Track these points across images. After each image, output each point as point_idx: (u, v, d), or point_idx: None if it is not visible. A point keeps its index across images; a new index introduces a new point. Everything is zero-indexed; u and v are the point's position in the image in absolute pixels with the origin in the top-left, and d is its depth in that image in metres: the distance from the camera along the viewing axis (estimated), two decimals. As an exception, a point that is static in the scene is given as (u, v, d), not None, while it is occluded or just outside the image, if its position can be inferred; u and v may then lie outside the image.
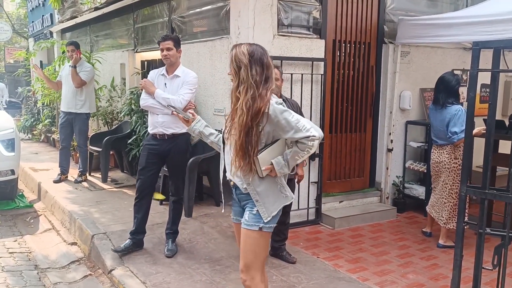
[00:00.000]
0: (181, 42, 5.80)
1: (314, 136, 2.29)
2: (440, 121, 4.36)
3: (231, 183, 2.49)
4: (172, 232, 4.07)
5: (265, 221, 2.39)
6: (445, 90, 4.37)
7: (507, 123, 4.92)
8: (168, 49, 3.84)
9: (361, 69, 5.34)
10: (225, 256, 3.92)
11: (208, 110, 5.36)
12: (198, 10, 5.49)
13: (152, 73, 4.06)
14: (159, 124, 3.87)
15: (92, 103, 6.38)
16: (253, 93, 2.27)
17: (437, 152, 4.44)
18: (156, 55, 6.35)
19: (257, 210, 2.39)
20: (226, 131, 2.45)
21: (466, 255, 3.03)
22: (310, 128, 2.30)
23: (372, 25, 5.30)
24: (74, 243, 4.49)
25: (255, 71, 2.29)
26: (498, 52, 2.58)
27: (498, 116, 6.41)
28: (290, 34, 4.75)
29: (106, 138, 6.23)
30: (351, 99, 5.31)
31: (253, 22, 4.55)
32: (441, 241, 4.45)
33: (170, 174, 4.10)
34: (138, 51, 7.18)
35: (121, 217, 4.74)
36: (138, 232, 4.02)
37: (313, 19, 4.93)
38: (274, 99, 2.34)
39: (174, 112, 2.79)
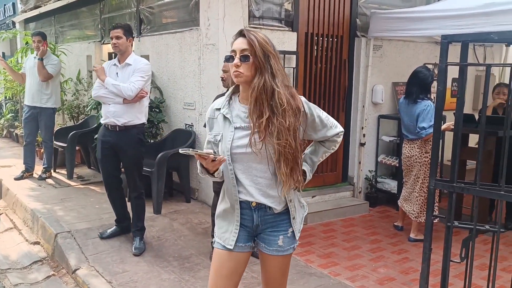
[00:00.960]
0: (150, 34, 5.76)
1: (342, 131, 2.14)
2: (410, 115, 4.41)
3: (253, 204, 2.02)
4: (139, 229, 4.01)
5: (297, 238, 2.11)
6: (419, 85, 4.39)
7: (477, 117, 5.04)
8: (118, 37, 3.81)
9: (334, 62, 5.37)
10: (195, 253, 3.88)
11: (177, 104, 5.29)
12: (166, 0, 5.41)
13: (105, 64, 4.04)
14: (111, 114, 3.83)
15: (58, 98, 6.20)
16: (290, 87, 1.97)
17: (408, 147, 4.51)
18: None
19: (292, 231, 2.08)
20: (250, 142, 1.92)
21: (436, 248, 3.08)
22: (337, 124, 2.13)
23: (344, 18, 5.35)
24: (36, 243, 4.36)
25: (279, 66, 1.95)
26: (466, 46, 2.61)
27: (468, 110, 6.57)
28: (261, 27, 4.74)
29: (72, 133, 6.08)
30: (324, 93, 5.34)
31: (223, 13, 4.51)
32: (412, 235, 4.53)
33: (125, 168, 4.01)
34: (105, 42, 7.03)
35: (86, 215, 4.64)
36: (121, 220, 4.19)
37: (285, 11, 4.93)
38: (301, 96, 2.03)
39: (190, 153, 1.83)
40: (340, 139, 2.17)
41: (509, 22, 4.00)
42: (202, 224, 4.51)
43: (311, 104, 2.04)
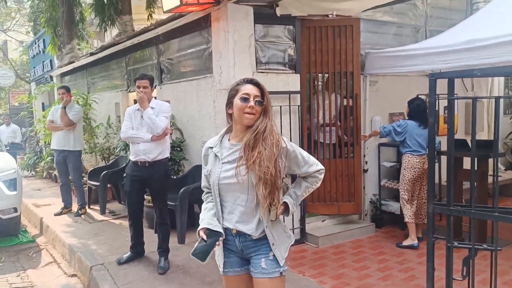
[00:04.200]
0: (170, 82, 5.89)
1: (323, 169, 2.22)
2: (422, 135, 4.77)
3: (233, 231, 2.11)
4: (163, 250, 4.13)
5: (281, 264, 2.11)
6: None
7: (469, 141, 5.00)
8: (145, 87, 4.01)
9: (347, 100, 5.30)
10: (217, 279, 3.83)
11: (196, 142, 5.34)
12: (183, 52, 5.55)
13: (129, 109, 4.18)
14: (141, 152, 3.97)
15: (82, 141, 6.38)
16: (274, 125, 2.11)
17: (422, 161, 4.76)
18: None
19: (274, 255, 2.10)
20: (236, 171, 2.03)
21: (440, 265, 3.01)
22: (318, 162, 2.22)
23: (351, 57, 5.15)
24: (74, 275, 4.36)
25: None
26: (452, 82, 2.63)
27: (462, 135, 6.51)
28: (268, 71, 4.82)
29: (104, 172, 6.16)
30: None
31: (233, 62, 4.60)
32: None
33: (153, 199, 4.16)
34: (131, 91, 7.19)
35: (118, 247, 4.64)
36: (136, 245, 4.28)
37: (288, 56, 5.01)
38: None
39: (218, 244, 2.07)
40: (321, 176, 2.22)
41: (489, 56, 4.03)
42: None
43: (293, 144, 2.15)
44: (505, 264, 4.10)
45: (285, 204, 2.15)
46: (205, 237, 2.04)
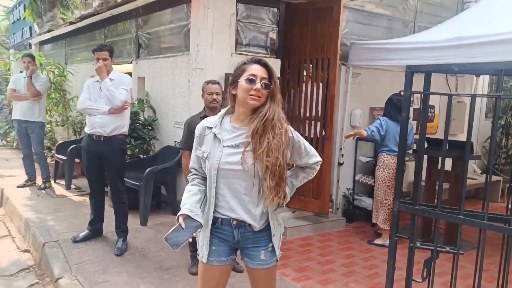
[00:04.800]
0: (147, 58, 5.67)
1: (321, 160, 2.16)
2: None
3: (234, 222, 1.98)
4: (121, 230, 3.99)
5: (277, 254, 2.06)
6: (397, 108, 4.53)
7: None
8: (105, 59, 3.84)
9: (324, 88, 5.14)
10: (175, 265, 3.70)
11: (168, 122, 5.16)
12: (162, 27, 5.33)
13: (88, 81, 4.00)
14: (97, 124, 3.79)
15: (45, 113, 6.14)
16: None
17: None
18: (126, 68, 6.13)
19: (272, 246, 2.03)
20: (242, 158, 1.89)
21: (405, 264, 2.92)
22: (316, 153, 2.14)
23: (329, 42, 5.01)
24: (27, 250, 4.18)
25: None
26: (429, 76, 2.51)
27: (442, 135, 6.45)
28: (247, 53, 4.64)
29: (71, 147, 5.93)
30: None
31: (211, 41, 4.42)
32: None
33: (109, 176, 3.98)
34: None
35: (77, 225, 4.46)
36: (95, 221, 4.11)
37: (270, 40, 4.84)
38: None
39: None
40: (318, 168, 2.17)
41: (475, 55, 3.92)
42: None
43: (298, 133, 2.05)
44: (469, 267, 4.04)
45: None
46: (183, 225, 1.88)
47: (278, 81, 4.83)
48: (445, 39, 4.28)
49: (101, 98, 3.80)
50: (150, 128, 5.17)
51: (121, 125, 3.85)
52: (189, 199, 1.99)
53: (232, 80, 1.99)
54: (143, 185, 4.43)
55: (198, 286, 2.11)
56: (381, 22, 5.76)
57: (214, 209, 1.98)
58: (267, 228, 2.02)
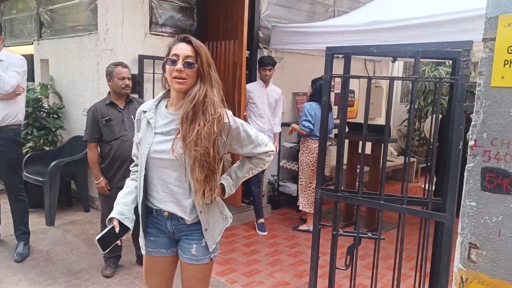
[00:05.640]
0: (50, 38, 5.09)
1: (272, 151, 1.92)
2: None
3: (165, 214, 1.84)
4: (22, 233, 3.52)
5: (210, 250, 1.87)
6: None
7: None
8: None
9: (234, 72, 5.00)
10: (86, 267, 3.36)
11: (77, 109, 4.69)
12: (67, 3, 4.79)
13: None
14: None
15: None
16: (222, 98, 1.79)
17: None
18: (26, 50, 5.48)
19: (206, 242, 1.86)
20: (173, 147, 1.73)
21: (329, 250, 2.88)
22: (268, 142, 1.92)
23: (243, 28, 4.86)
24: None
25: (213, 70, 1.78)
26: (348, 58, 2.43)
27: (361, 119, 6.63)
28: (163, 34, 4.32)
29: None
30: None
31: (122, 19, 4.04)
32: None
33: (2, 171, 3.46)
34: (5, 45, 6.15)
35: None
36: None
37: (188, 20, 4.55)
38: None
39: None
40: (269, 159, 1.95)
41: (390, 39, 3.98)
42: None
43: (238, 119, 1.85)
44: (390, 248, 4.17)
45: (222, 186, 1.88)
46: (117, 229, 1.77)
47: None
48: (362, 23, 4.32)
49: None
50: (55, 116, 4.66)
51: (13, 113, 3.33)
52: (123, 198, 1.89)
53: (163, 63, 1.80)
54: (48, 181, 3.97)
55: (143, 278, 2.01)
56: (303, 5, 5.71)
57: (148, 199, 1.86)
58: (199, 222, 1.85)
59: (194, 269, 1.88)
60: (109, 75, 3.11)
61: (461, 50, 1.95)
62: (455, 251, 1.61)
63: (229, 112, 1.81)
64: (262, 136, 1.91)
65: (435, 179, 2.62)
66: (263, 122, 4.52)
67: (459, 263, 1.59)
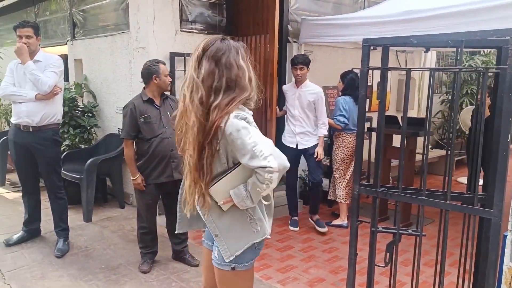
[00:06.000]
0: (83, 38, 5.19)
1: (271, 167, 1.56)
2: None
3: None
4: (62, 229, 3.62)
5: (226, 261, 1.72)
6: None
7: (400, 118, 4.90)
8: (28, 37, 3.33)
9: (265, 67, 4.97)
10: (124, 263, 3.42)
11: (110, 108, 4.77)
12: (98, 3, 4.87)
13: (11, 63, 3.49)
14: (24, 113, 3.35)
15: None
16: (201, 99, 1.62)
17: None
18: (59, 50, 5.61)
19: (218, 248, 1.78)
20: (179, 145, 1.71)
21: (365, 245, 2.83)
22: (268, 156, 1.57)
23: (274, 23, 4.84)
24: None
25: (206, 68, 1.62)
26: (386, 50, 2.36)
27: (393, 112, 6.49)
28: (193, 31, 4.33)
29: (2, 139, 5.39)
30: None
31: (153, 17, 4.06)
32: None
33: (42, 170, 3.55)
34: (40, 46, 6.32)
35: (12, 226, 4.04)
36: (30, 221, 3.74)
37: (218, 16, 4.54)
38: (236, 112, 1.61)
39: None
40: (269, 176, 1.58)
41: (426, 29, 3.85)
42: (135, 231, 4.02)
43: (237, 123, 1.59)
44: (427, 243, 4.06)
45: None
46: None
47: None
48: (396, 13, 4.19)
49: (26, 83, 3.34)
50: (90, 115, 4.76)
51: (51, 113, 3.42)
52: None
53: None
54: (85, 178, 4.07)
55: None
56: (332, -3, 5.62)
57: None
58: None
59: (217, 272, 1.82)
60: (156, 73, 3.11)
61: (508, 38, 1.86)
62: (505, 249, 1.55)
63: (231, 115, 1.60)
64: (262, 147, 1.58)
65: (482, 172, 2.52)
66: (294, 124, 4.42)
67: (510, 261, 1.53)
